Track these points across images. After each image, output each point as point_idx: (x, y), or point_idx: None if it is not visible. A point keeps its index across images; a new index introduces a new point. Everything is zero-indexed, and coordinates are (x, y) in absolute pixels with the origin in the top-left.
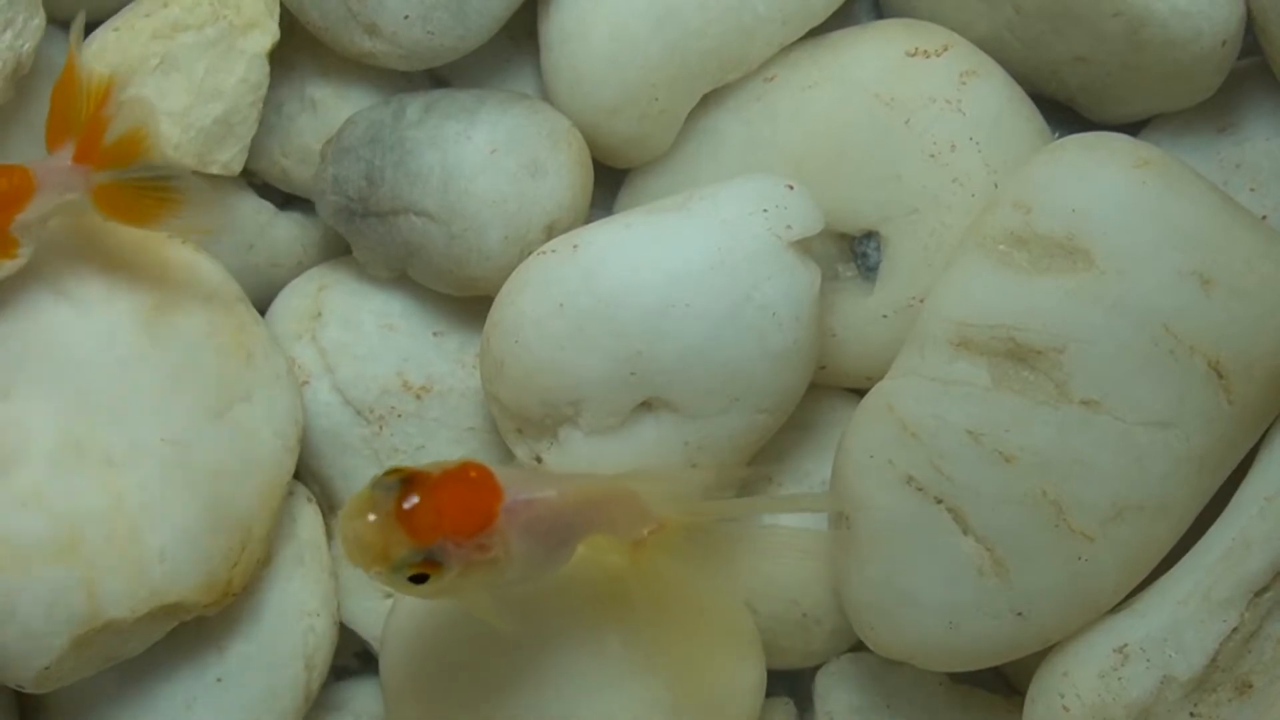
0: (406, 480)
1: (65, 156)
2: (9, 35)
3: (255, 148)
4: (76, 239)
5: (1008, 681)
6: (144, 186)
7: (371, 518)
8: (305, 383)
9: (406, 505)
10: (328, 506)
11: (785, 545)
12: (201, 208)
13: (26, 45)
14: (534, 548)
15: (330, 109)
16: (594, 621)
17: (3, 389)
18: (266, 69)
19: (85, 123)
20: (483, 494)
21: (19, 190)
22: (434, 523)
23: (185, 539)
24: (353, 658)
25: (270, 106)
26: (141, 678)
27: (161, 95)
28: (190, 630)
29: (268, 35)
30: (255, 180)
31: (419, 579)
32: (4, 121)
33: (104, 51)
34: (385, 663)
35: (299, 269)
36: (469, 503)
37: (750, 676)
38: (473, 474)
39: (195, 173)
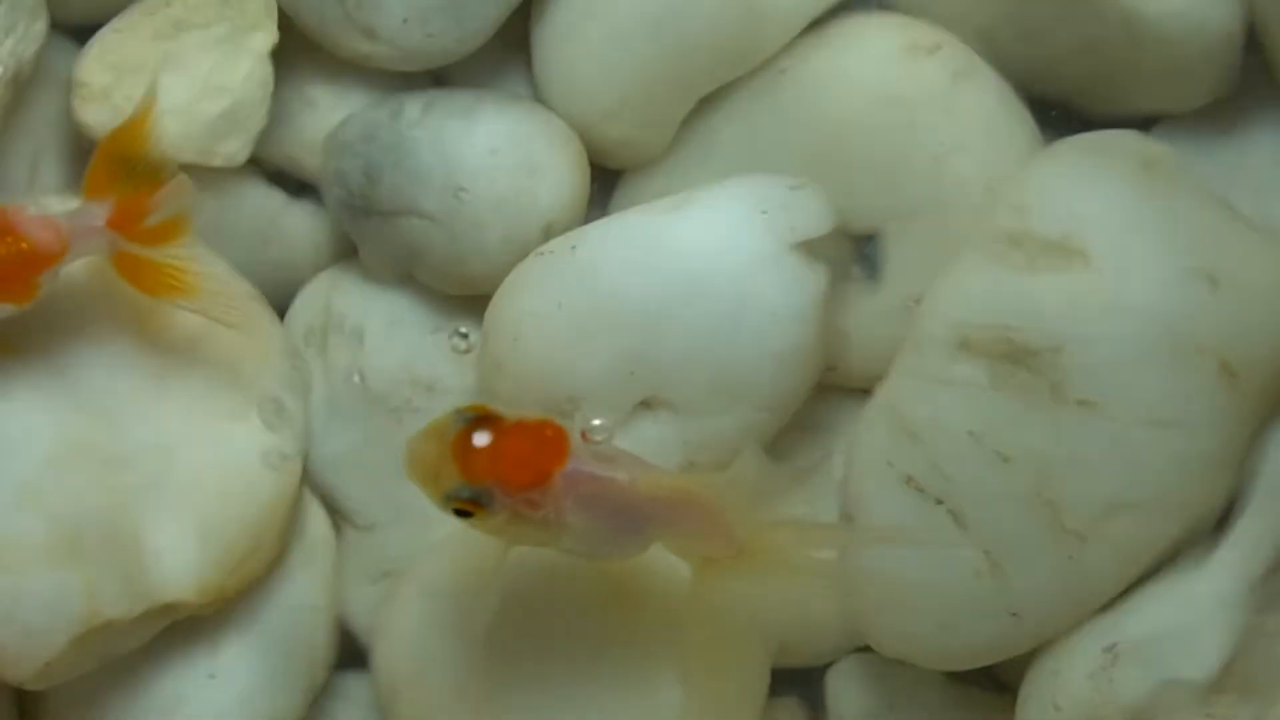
0: (480, 418)
1: (100, 215)
2: (10, 41)
3: (264, 139)
4: None
5: (1003, 682)
6: (166, 266)
7: (434, 443)
8: (312, 382)
9: (468, 441)
10: (332, 505)
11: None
12: (216, 299)
13: (28, 51)
14: (594, 525)
15: (329, 107)
16: (599, 620)
17: (2, 389)
18: (271, 68)
19: (133, 193)
20: (545, 453)
21: (56, 248)
22: (487, 466)
23: (184, 540)
24: (345, 654)
25: (274, 102)
26: (138, 673)
27: (165, 91)
28: (186, 625)
29: (269, 37)
30: (267, 168)
31: (464, 513)
32: (3, 127)
33: (106, 51)
34: (379, 652)
35: (312, 263)
36: (528, 457)
37: (754, 676)
38: (547, 432)
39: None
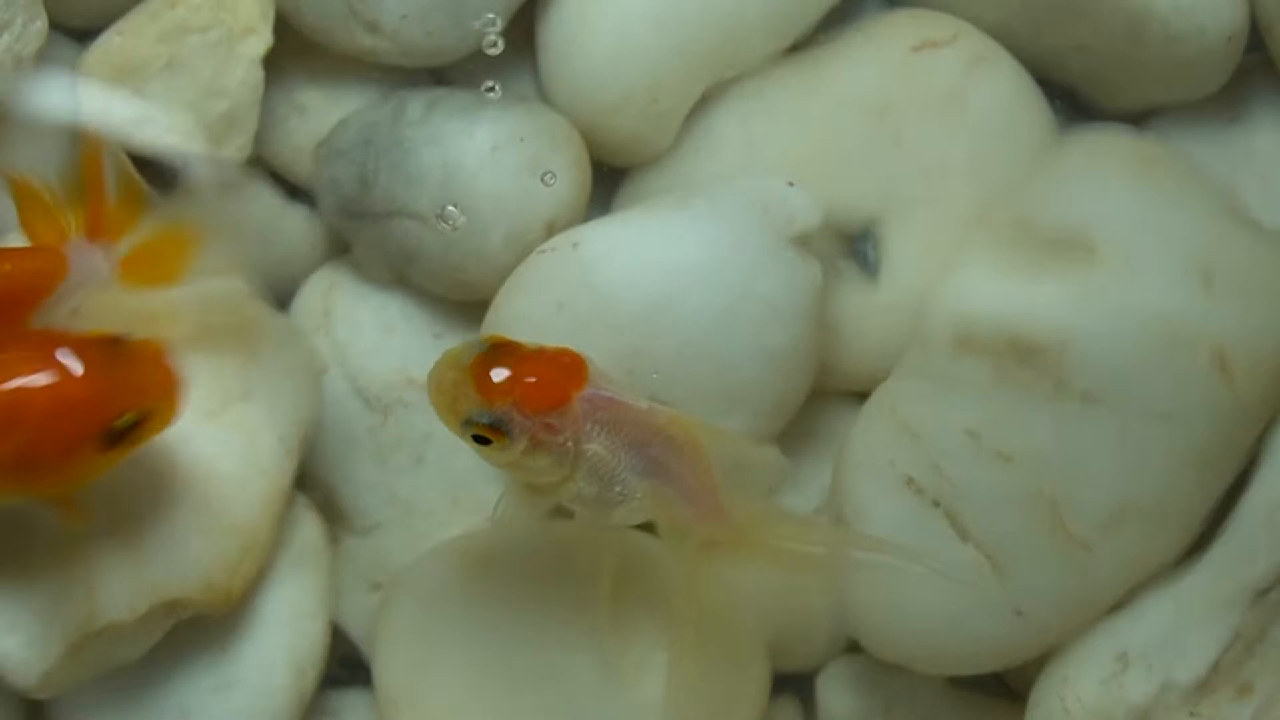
0: (498, 346)
1: (82, 245)
2: (7, 38)
3: (260, 142)
4: None
5: (1007, 686)
6: (161, 240)
7: (452, 370)
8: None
9: (487, 366)
10: (330, 508)
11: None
12: (219, 207)
13: (28, 49)
14: (609, 459)
15: (319, 112)
16: (595, 623)
17: None
18: (262, 73)
19: (87, 195)
20: (566, 375)
21: (50, 275)
22: (505, 388)
23: (183, 539)
24: (339, 665)
25: (263, 108)
26: (138, 681)
27: (170, 94)
28: (187, 633)
29: (262, 41)
30: (264, 168)
31: (483, 440)
32: (2, 128)
33: (109, 54)
34: (378, 659)
35: (310, 262)
36: (547, 378)
37: (751, 676)
38: (565, 359)
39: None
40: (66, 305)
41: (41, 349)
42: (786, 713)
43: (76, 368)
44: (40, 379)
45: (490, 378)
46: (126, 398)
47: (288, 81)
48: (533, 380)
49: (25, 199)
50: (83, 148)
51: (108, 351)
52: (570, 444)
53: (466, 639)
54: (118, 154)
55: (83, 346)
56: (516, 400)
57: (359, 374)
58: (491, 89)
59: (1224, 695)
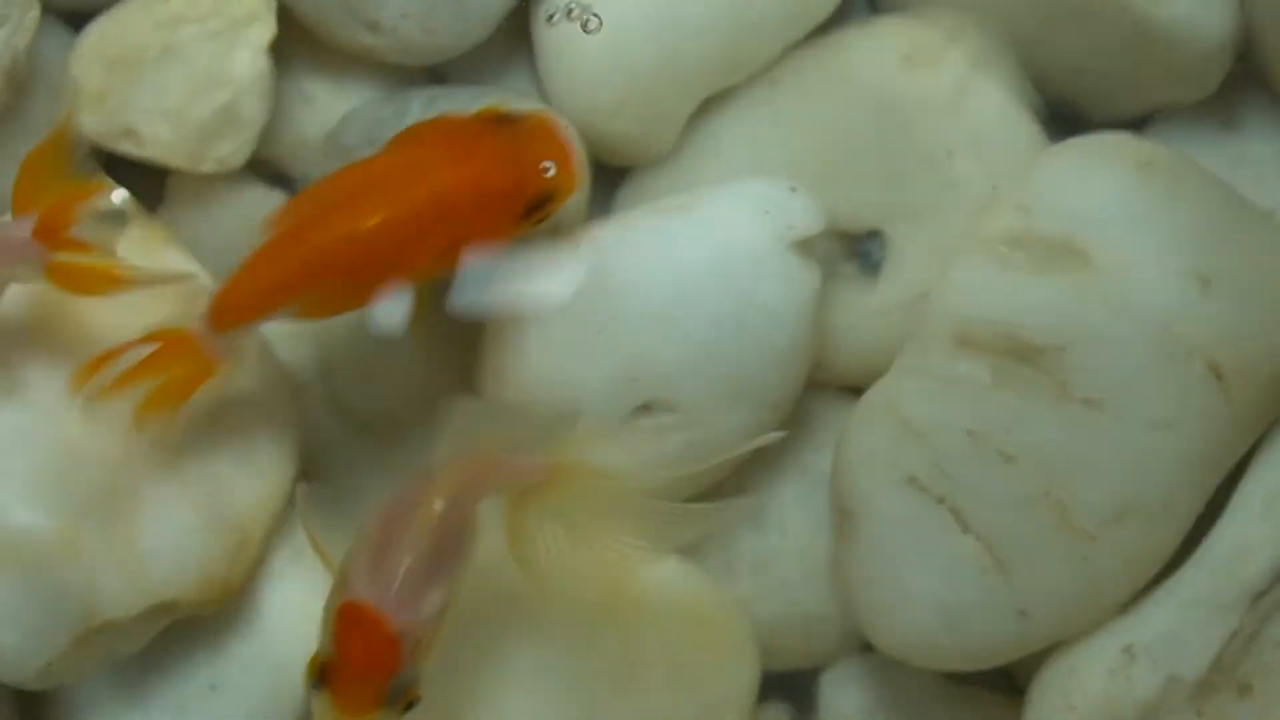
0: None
1: (25, 228)
2: (4, 32)
3: (266, 136)
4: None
5: (1010, 681)
6: (98, 266)
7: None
8: (305, 383)
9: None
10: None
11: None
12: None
13: (22, 42)
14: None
15: (327, 103)
16: (592, 627)
17: (2, 388)
18: (269, 61)
19: (56, 204)
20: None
21: None
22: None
23: (182, 538)
24: None
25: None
26: (137, 679)
27: (158, 90)
28: (185, 631)
29: (266, 30)
30: (267, 170)
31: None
32: (2, 123)
33: (103, 42)
34: None
35: None
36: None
37: (743, 680)
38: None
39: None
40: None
41: (457, 141)
42: (776, 715)
43: (494, 157)
44: (465, 174)
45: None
46: (538, 181)
47: (295, 71)
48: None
49: (47, 150)
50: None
51: (510, 131)
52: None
53: (467, 637)
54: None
55: (488, 132)
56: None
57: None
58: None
59: (1227, 695)
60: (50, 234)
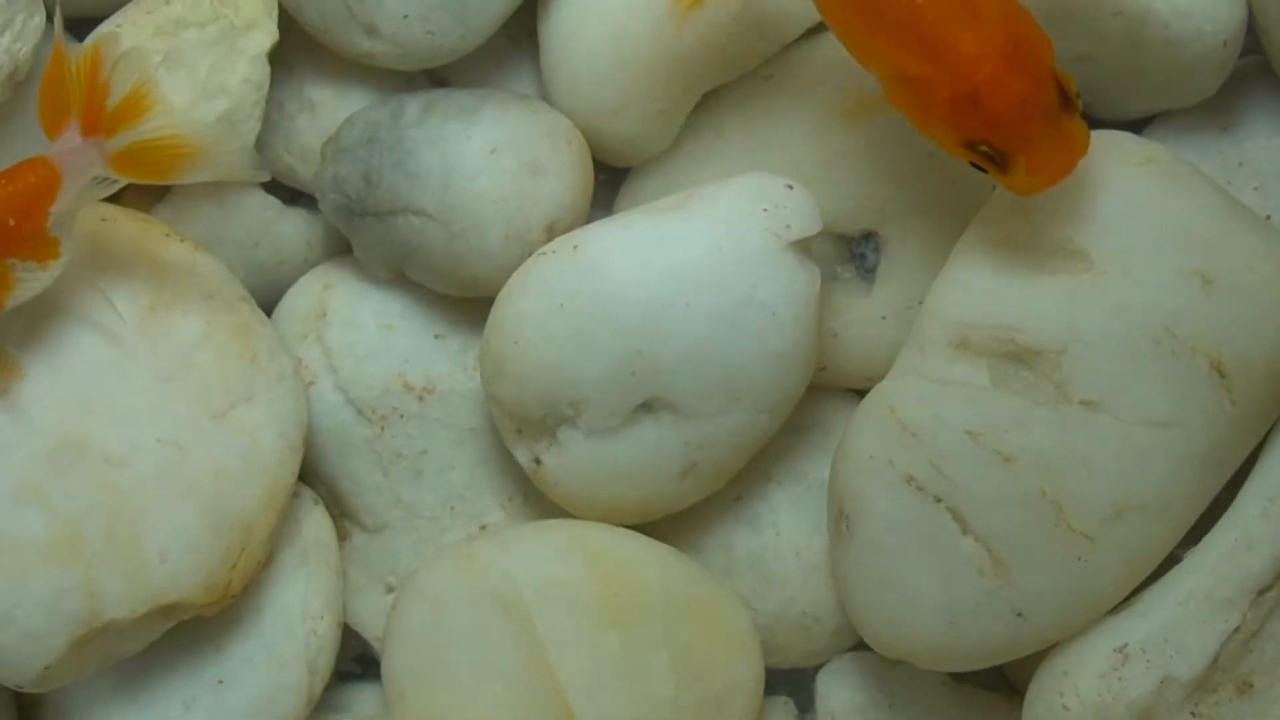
0: None
1: (73, 136)
2: (7, 37)
3: (261, 145)
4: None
5: (1009, 681)
6: (160, 142)
7: None
8: (311, 383)
9: None
10: (336, 509)
11: None
12: (226, 152)
13: (25, 48)
14: None
15: (329, 109)
16: (595, 622)
17: (3, 389)
18: (268, 69)
19: (83, 94)
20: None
21: (46, 181)
22: None
23: (185, 539)
24: (352, 661)
25: (272, 105)
26: (141, 678)
27: (169, 93)
28: (190, 631)
29: (267, 36)
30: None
31: None
32: (2, 121)
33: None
34: (388, 658)
35: (305, 266)
36: None
37: (749, 674)
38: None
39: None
40: (69, 204)
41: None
42: (780, 710)
43: None
44: None
45: None
46: None
47: (297, 78)
48: None
49: (54, 71)
50: (70, 59)
51: None
52: None
53: (471, 637)
54: (140, 59)
55: None
56: None
57: (352, 384)
58: None
59: (1224, 694)
60: (95, 121)
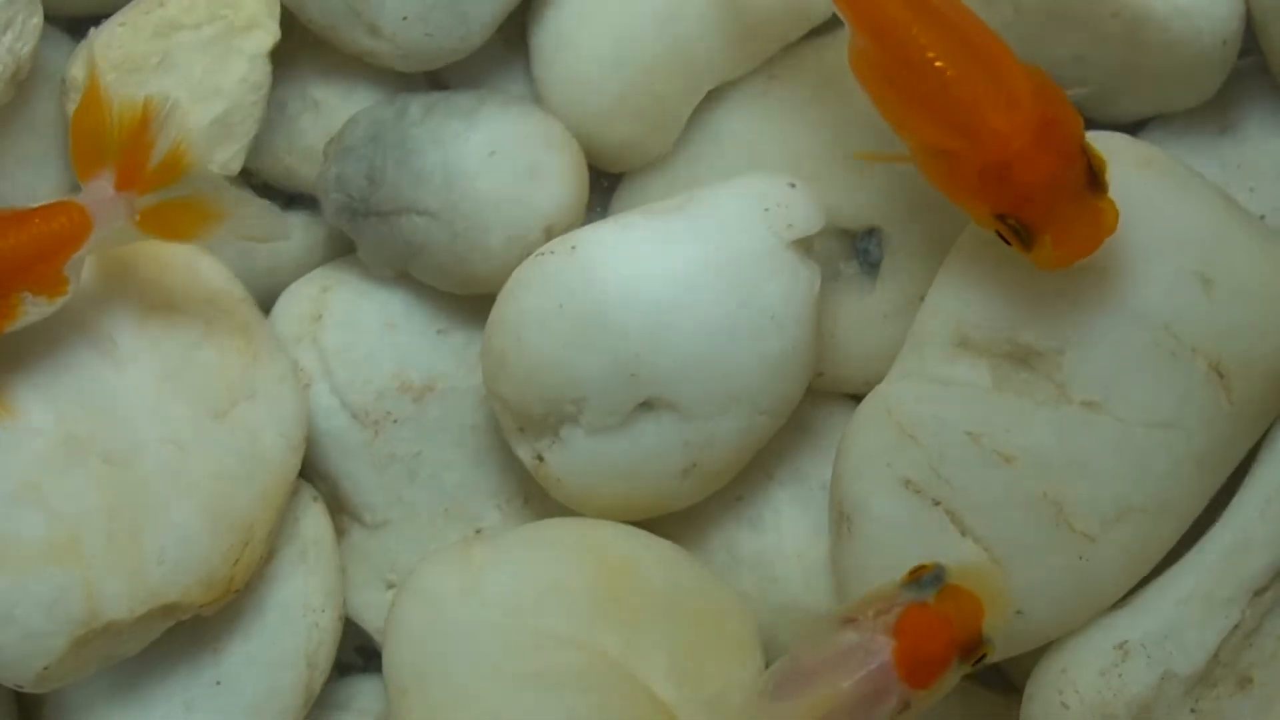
0: None
1: (107, 185)
2: (9, 37)
3: (259, 147)
4: None
5: (1007, 679)
6: (189, 204)
7: None
8: (307, 385)
9: None
10: (335, 505)
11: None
12: (251, 216)
13: (26, 47)
14: None
15: (332, 109)
16: (595, 620)
17: (3, 389)
18: (268, 69)
19: (125, 147)
20: None
21: (78, 227)
22: None
23: (185, 539)
24: (355, 653)
25: (273, 106)
26: (141, 678)
27: (162, 94)
28: (190, 630)
29: (269, 35)
30: (256, 180)
31: None
32: (3, 122)
33: (108, 48)
34: (388, 657)
35: (302, 269)
36: None
37: (750, 673)
38: None
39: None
40: (90, 250)
41: None
42: None
43: None
44: None
45: None
46: None
47: (301, 77)
48: None
49: (91, 111)
50: (109, 100)
51: None
52: None
53: (470, 635)
54: (181, 117)
55: None
56: None
57: (347, 388)
58: None
59: (1225, 689)
60: (132, 176)
